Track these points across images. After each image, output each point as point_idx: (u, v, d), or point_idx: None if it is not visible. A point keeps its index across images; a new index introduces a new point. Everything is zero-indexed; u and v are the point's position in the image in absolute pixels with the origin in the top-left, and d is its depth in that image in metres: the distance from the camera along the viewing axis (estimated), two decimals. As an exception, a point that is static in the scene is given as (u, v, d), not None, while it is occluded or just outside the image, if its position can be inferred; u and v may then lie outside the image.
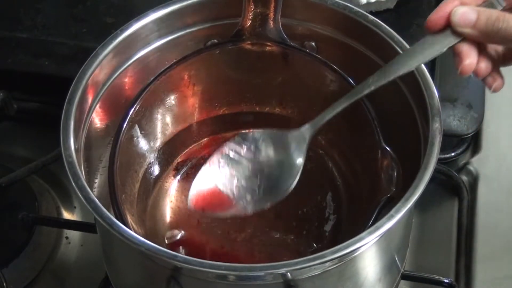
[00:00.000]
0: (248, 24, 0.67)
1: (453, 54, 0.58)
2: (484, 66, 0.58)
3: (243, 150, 0.65)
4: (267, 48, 0.68)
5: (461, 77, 0.79)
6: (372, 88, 0.60)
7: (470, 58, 0.57)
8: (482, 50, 0.58)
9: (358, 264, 0.59)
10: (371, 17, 0.65)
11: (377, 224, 0.55)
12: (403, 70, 0.59)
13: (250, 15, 0.66)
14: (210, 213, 0.65)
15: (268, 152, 0.65)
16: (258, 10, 0.66)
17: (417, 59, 0.59)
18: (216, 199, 0.64)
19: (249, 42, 0.67)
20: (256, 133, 0.65)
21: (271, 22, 0.67)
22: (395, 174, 0.61)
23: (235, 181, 0.64)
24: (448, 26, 0.57)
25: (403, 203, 0.55)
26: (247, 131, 0.66)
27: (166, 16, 0.67)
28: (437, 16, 0.58)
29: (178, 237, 0.68)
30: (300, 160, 0.63)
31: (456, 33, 0.57)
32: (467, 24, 0.56)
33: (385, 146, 0.62)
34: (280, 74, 0.70)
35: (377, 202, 0.60)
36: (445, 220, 0.78)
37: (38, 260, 0.76)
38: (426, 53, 0.58)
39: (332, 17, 0.67)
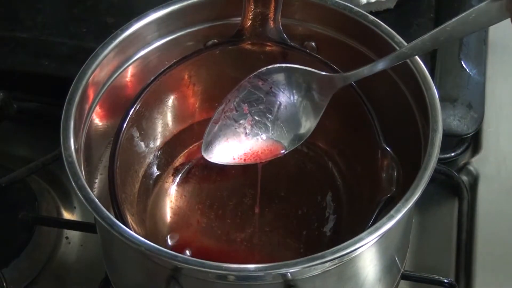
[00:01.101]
0: (248, 24, 0.67)
1: None
2: None
3: (264, 83, 0.64)
4: (267, 48, 0.68)
5: (461, 77, 0.80)
6: (420, 53, 0.58)
7: None
8: None
9: (358, 264, 0.59)
10: (371, 17, 0.65)
11: (377, 224, 0.54)
12: (456, 36, 0.57)
13: (250, 15, 0.67)
14: (220, 159, 0.65)
15: (291, 88, 0.64)
16: (258, 10, 0.66)
17: (471, 26, 0.56)
18: (226, 144, 0.64)
19: (249, 42, 0.67)
20: (281, 67, 0.64)
21: (271, 22, 0.67)
22: (395, 174, 0.60)
23: (249, 116, 0.64)
24: None
25: (403, 203, 0.55)
26: (271, 66, 0.65)
27: (166, 16, 0.67)
28: None
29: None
30: (323, 105, 0.63)
31: None
32: None
33: (385, 146, 0.62)
34: (280, 74, 0.70)
35: (377, 202, 0.60)
36: (445, 220, 0.78)
37: (38, 260, 0.76)
38: (482, 20, 0.55)
39: (332, 17, 0.67)
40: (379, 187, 0.61)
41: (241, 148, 0.66)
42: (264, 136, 0.65)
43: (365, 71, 0.61)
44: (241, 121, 0.65)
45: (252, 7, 0.66)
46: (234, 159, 0.66)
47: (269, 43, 0.67)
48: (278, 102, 0.65)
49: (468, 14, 0.56)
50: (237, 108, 0.65)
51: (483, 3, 0.55)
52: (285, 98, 0.64)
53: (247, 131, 0.66)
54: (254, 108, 0.65)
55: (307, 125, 0.65)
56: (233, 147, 0.66)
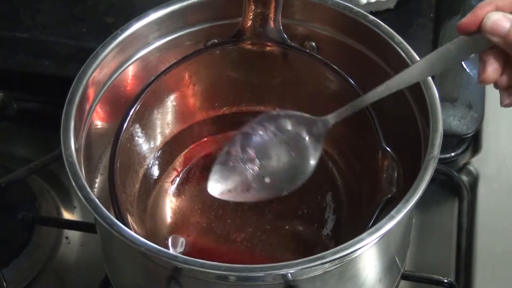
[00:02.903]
0: (248, 24, 0.67)
1: (479, 60, 0.55)
2: (506, 79, 0.54)
3: (264, 131, 0.65)
4: (268, 48, 0.68)
5: (461, 77, 0.80)
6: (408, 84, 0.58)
7: (494, 69, 0.54)
8: (508, 62, 0.54)
9: (359, 265, 0.59)
10: (371, 17, 0.65)
11: (378, 225, 0.55)
12: (422, 76, 0.58)
13: (251, 15, 0.66)
14: (226, 196, 0.66)
15: (289, 135, 0.65)
16: (259, 10, 0.66)
17: (440, 67, 0.57)
18: (233, 183, 0.64)
19: (249, 42, 0.67)
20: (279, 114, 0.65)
21: (272, 22, 0.67)
22: (395, 174, 0.60)
23: (251, 165, 0.64)
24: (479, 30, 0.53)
25: (404, 204, 0.55)
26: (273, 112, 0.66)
27: (166, 16, 0.67)
28: (470, 20, 0.53)
29: (180, 243, 0.68)
30: (319, 147, 0.65)
31: (486, 39, 0.53)
32: (498, 32, 0.52)
33: (385, 146, 0.62)
34: (280, 74, 0.70)
35: (377, 203, 0.60)
36: (445, 220, 0.78)
37: (38, 260, 0.76)
38: (450, 59, 0.55)
39: (332, 17, 0.67)
40: (379, 187, 0.60)
41: (246, 189, 0.65)
42: (268, 179, 0.65)
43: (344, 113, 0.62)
44: (248, 165, 0.65)
45: (253, 7, 0.66)
46: (239, 196, 0.66)
47: (269, 43, 0.67)
48: (279, 150, 0.65)
49: (436, 53, 0.56)
50: (244, 153, 0.65)
51: (459, 37, 0.55)
52: (285, 144, 0.65)
53: (254, 174, 0.65)
54: (259, 153, 0.65)
55: (307, 167, 0.65)
56: (239, 187, 0.66)
